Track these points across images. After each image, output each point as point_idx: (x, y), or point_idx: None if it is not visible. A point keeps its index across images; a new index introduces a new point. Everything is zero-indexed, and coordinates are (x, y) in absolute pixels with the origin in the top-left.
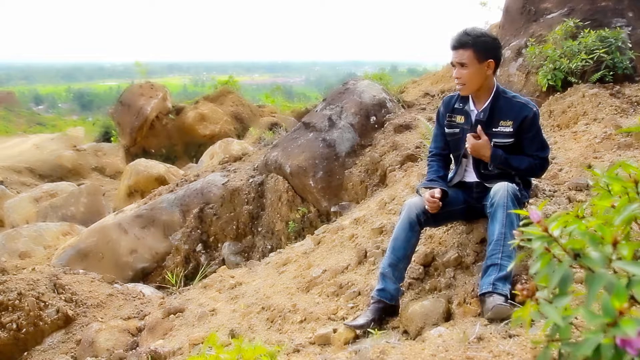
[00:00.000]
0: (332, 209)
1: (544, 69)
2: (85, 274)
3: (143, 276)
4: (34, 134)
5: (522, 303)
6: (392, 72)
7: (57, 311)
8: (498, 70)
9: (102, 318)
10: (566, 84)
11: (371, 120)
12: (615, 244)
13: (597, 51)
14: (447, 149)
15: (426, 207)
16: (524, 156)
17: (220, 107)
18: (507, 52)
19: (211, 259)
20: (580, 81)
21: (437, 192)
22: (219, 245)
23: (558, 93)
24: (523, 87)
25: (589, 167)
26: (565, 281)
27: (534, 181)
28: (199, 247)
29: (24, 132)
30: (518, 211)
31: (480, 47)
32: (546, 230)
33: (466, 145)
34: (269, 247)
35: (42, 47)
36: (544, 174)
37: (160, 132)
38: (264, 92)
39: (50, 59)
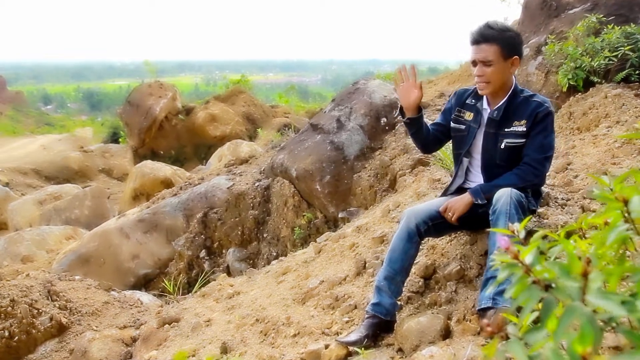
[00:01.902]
0: (339, 215)
1: (564, 68)
2: (81, 281)
3: (145, 282)
4: (42, 134)
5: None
6: None
7: (51, 319)
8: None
9: (96, 327)
10: (588, 84)
11: (382, 121)
12: (585, 274)
13: (622, 48)
14: (437, 134)
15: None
16: (508, 172)
17: (232, 108)
18: (525, 50)
19: (215, 265)
20: (603, 81)
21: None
22: (224, 251)
23: (579, 93)
24: (542, 87)
25: (606, 173)
26: (547, 309)
27: (545, 188)
28: (203, 253)
29: (32, 132)
30: (502, 233)
31: (506, 42)
32: (516, 257)
33: (450, 217)
34: (274, 254)
35: (51, 46)
36: (542, 181)
37: (170, 133)
38: (278, 92)
39: (59, 58)
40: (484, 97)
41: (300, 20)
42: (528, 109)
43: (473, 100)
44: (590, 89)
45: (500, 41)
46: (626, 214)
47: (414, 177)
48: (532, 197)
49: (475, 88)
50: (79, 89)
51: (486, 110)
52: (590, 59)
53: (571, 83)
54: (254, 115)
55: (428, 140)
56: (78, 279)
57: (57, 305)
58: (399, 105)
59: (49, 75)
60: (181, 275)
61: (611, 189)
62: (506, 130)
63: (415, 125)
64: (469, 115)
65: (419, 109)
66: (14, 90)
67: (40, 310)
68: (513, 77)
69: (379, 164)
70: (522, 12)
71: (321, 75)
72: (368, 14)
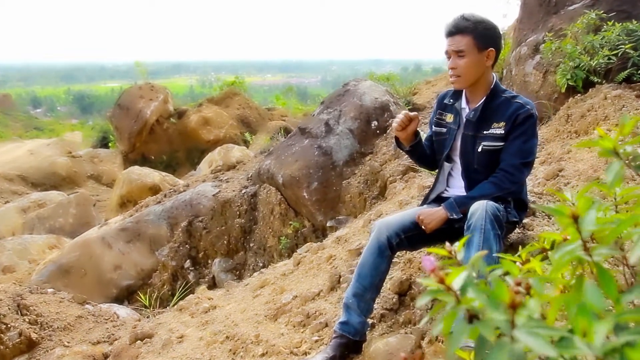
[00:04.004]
0: (328, 224)
1: (562, 68)
2: (53, 294)
3: (128, 294)
4: (30, 139)
5: None
6: (415, 71)
7: (20, 334)
8: (511, 69)
9: (68, 342)
10: (588, 85)
11: (372, 125)
12: (514, 305)
13: (623, 47)
14: (431, 151)
15: (394, 125)
16: (484, 181)
17: (226, 110)
18: (523, 49)
19: (200, 276)
20: (604, 81)
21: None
22: (209, 261)
23: (578, 95)
24: (540, 88)
25: (598, 180)
26: (481, 344)
27: (532, 197)
28: (187, 263)
29: (20, 137)
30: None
31: (480, 33)
32: (442, 281)
33: (426, 225)
34: (261, 264)
35: (41, 47)
36: (520, 188)
37: (161, 137)
38: (275, 94)
39: (49, 59)
40: (463, 96)
41: (299, 19)
42: (508, 110)
43: (451, 100)
44: (590, 90)
45: (474, 32)
46: (577, 232)
47: (404, 183)
48: (513, 209)
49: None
50: (69, 92)
51: (464, 109)
52: (589, 57)
53: (570, 83)
54: (249, 118)
55: (431, 158)
56: (51, 292)
57: (27, 320)
58: (394, 137)
59: (38, 77)
60: (165, 286)
61: (574, 203)
62: (484, 132)
63: (416, 152)
64: (449, 117)
65: (416, 133)
66: (1, 93)
67: (9, 325)
68: (493, 75)
69: (369, 170)
70: (520, 9)
71: (321, 76)
72: (370, 13)
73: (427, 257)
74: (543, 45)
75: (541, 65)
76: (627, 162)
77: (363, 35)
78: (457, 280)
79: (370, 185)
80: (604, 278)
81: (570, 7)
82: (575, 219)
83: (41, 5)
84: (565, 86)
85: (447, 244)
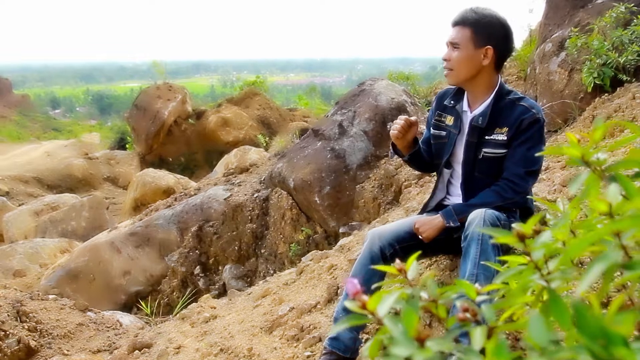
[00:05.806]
0: (340, 230)
1: (588, 65)
2: (55, 300)
3: (137, 301)
4: (48, 140)
5: None
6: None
7: (18, 342)
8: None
9: (68, 350)
10: (616, 83)
11: (388, 126)
12: (421, 340)
13: None
14: (429, 155)
15: (392, 132)
16: (486, 189)
17: (245, 111)
18: (548, 46)
19: (211, 283)
20: (633, 79)
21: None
22: (220, 268)
23: (606, 94)
24: (565, 87)
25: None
26: None
27: (543, 205)
28: (198, 269)
29: (38, 138)
30: (350, 277)
31: (481, 28)
32: (364, 307)
33: (422, 234)
34: (271, 271)
35: (60, 47)
36: (523, 198)
37: (179, 139)
38: (298, 94)
39: (68, 59)
40: (464, 98)
41: (324, 16)
42: (512, 114)
43: (452, 102)
44: (618, 89)
45: (475, 26)
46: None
47: (419, 188)
48: (520, 218)
49: (456, 89)
50: (88, 92)
51: (466, 112)
52: (617, 54)
53: (597, 82)
54: (270, 119)
55: (429, 163)
56: (52, 299)
57: (26, 327)
58: (391, 144)
59: (57, 78)
60: (174, 293)
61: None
62: (486, 137)
63: (415, 161)
64: (449, 120)
65: (415, 140)
66: (20, 93)
67: (8, 332)
68: (499, 76)
69: (383, 174)
70: (546, 3)
71: (346, 76)
72: (398, 9)
73: (351, 279)
74: (568, 41)
75: (566, 63)
76: (601, 170)
77: (391, 32)
78: (381, 306)
79: (384, 190)
80: (556, 307)
81: (599, 1)
82: (522, 239)
83: (60, 5)
84: (592, 85)
85: (397, 261)
